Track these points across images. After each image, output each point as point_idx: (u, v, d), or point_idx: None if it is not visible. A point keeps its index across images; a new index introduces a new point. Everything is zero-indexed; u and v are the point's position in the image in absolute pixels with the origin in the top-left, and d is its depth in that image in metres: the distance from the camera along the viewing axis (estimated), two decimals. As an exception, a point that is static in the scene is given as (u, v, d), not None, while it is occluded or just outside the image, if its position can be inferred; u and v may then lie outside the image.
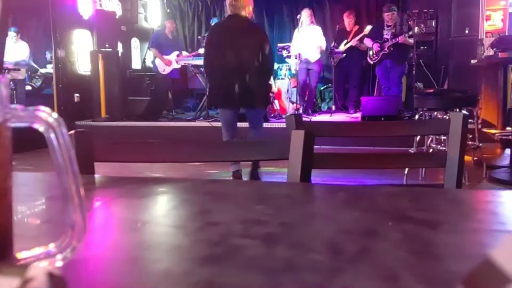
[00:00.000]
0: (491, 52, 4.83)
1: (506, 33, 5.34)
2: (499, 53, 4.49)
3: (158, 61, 7.46)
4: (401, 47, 6.19)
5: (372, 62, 6.60)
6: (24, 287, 0.22)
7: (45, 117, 0.37)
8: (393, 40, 6.22)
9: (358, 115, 6.60)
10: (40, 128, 0.37)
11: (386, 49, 6.33)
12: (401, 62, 6.26)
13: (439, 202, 0.73)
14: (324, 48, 6.86)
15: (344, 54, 7.08)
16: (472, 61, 5.32)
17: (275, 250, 0.50)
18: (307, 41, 6.65)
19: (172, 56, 7.35)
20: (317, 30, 6.82)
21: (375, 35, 6.49)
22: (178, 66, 7.38)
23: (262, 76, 3.84)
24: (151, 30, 8.61)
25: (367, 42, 6.60)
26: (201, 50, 7.00)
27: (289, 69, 7.12)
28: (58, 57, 6.95)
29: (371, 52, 6.53)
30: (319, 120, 6.32)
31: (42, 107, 0.37)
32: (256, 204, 0.72)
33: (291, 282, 0.40)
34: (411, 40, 6.26)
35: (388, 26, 6.34)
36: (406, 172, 3.83)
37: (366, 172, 3.93)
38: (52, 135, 0.37)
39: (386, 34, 6.36)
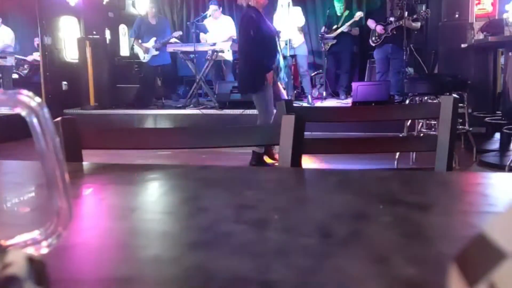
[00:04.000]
0: (481, 36, 4.83)
1: (496, 17, 5.34)
2: (489, 37, 4.50)
3: (137, 49, 7.37)
4: (403, 31, 6.12)
5: (374, 45, 6.56)
6: (3, 272, 0.22)
7: (27, 101, 0.36)
8: (397, 23, 6.17)
9: (349, 101, 6.60)
10: (22, 112, 0.36)
11: (389, 32, 6.28)
12: (402, 48, 6.18)
13: (430, 185, 0.73)
14: (302, 24, 6.68)
15: (335, 40, 7.04)
16: (462, 46, 5.32)
17: (265, 235, 0.49)
18: (289, 24, 6.48)
19: (150, 43, 7.22)
20: (297, 11, 6.67)
21: (378, 17, 6.44)
22: (156, 52, 7.24)
23: (246, 62, 4.20)
24: (139, 16, 8.51)
25: (370, 23, 6.56)
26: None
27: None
28: (45, 44, 6.85)
29: (375, 34, 6.47)
30: (309, 106, 6.32)
31: (24, 91, 0.36)
32: (246, 189, 0.71)
33: (282, 267, 0.40)
34: (415, 24, 6.21)
35: (391, 9, 6.29)
36: (397, 156, 3.85)
37: (357, 157, 3.94)
38: (35, 120, 0.36)
39: (390, 16, 6.31)
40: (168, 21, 8.15)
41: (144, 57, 7.33)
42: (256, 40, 4.01)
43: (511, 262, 0.19)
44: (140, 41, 7.28)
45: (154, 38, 7.19)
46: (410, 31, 6.24)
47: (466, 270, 0.21)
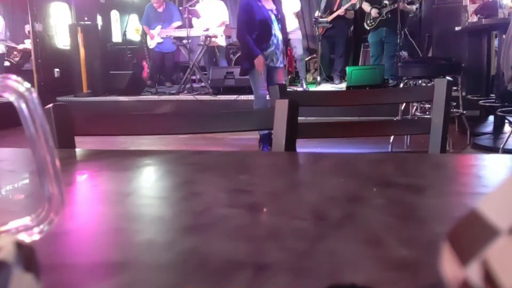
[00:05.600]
0: (475, 18, 4.80)
1: (490, -1, 5.31)
2: (483, 20, 4.48)
3: (147, 36, 7.42)
4: (397, 14, 6.08)
5: (369, 28, 6.52)
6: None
7: (15, 86, 0.35)
8: (392, 6, 6.12)
9: (343, 85, 6.59)
10: (11, 97, 0.35)
11: (384, 15, 6.24)
12: (396, 31, 6.15)
13: (423, 167, 0.73)
14: (298, 9, 6.64)
15: (330, 24, 6.98)
16: (456, 28, 5.30)
17: (259, 218, 0.49)
18: (283, 8, 6.39)
19: (156, 31, 7.23)
20: None
21: (373, 0, 6.39)
22: (160, 40, 7.26)
23: (240, 46, 4.42)
24: (131, 2, 8.40)
25: (365, 6, 6.50)
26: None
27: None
28: (36, 31, 6.76)
29: (370, 17, 6.42)
30: (303, 90, 6.30)
31: (12, 76, 0.35)
32: (240, 174, 0.71)
33: (275, 250, 0.40)
34: (410, 7, 6.17)
35: None
36: (391, 140, 3.86)
37: (351, 141, 3.94)
38: (23, 105, 0.35)
39: None
40: (176, 8, 7.96)
41: (150, 44, 7.34)
42: (247, 26, 4.07)
43: (503, 239, 0.19)
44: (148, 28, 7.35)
45: (159, 26, 7.19)
46: (405, 15, 6.20)
47: (458, 247, 0.21)
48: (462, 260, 0.21)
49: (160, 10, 7.35)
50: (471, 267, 0.20)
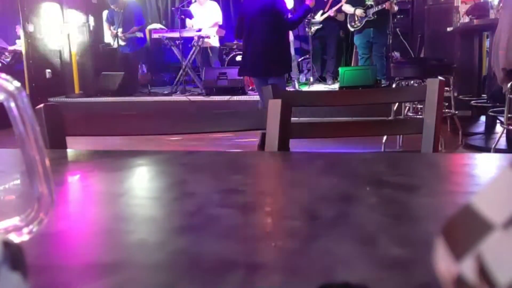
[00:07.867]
0: (466, 19, 4.83)
1: (481, 0, 5.35)
2: (474, 20, 4.51)
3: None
4: (384, 14, 6.10)
5: (353, 30, 6.50)
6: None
7: (5, 84, 0.35)
8: (379, 6, 6.13)
9: (336, 86, 6.60)
10: (0, 97, 0.35)
11: (370, 15, 6.25)
12: (384, 31, 6.17)
13: (416, 166, 0.73)
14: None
15: (321, 25, 7.00)
16: (448, 29, 5.33)
17: (252, 218, 0.49)
18: None
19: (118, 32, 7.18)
20: None
21: (356, 1, 6.38)
22: (123, 43, 7.16)
23: (273, 41, 4.01)
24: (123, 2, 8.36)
25: (348, 8, 6.47)
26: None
27: None
28: (27, 31, 6.72)
29: (354, 19, 6.41)
30: (295, 90, 6.31)
31: (2, 74, 0.35)
32: (233, 174, 0.71)
33: (268, 249, 0.40)
34: (396, 7, 6.20)
35: None
36: (384, 140, 3.87)
37: (344, 141, 3.95)
38: (12, 104, 0.35)
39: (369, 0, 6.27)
40: (137, 8, 7.62)
41: (113, 44, 7.23)
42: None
43: (498, 234, 0.19)
44: (112, 28, 7.21)
45: (120, 29, 7.09)
46: (390, 14, 6.22)
47: (452, 242, 0.21)
48: (456, 255, 0.20)
49: (121, 10, 7.22)
50: (465, 262, 0.20)
